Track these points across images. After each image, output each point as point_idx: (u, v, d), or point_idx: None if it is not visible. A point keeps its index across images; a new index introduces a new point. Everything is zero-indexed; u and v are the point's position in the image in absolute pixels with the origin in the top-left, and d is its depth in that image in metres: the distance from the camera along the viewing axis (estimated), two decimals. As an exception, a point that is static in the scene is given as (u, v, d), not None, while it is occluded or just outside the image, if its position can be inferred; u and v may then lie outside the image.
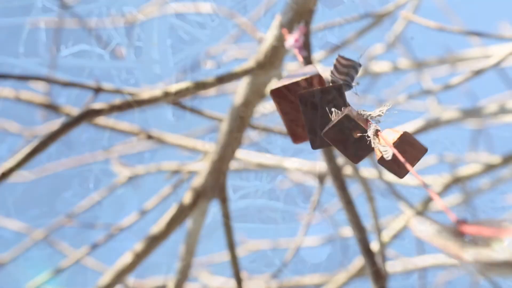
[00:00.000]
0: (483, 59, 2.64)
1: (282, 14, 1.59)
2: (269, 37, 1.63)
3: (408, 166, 0.86)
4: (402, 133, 0.88)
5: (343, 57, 0.97)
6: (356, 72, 0.97)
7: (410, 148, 0.89)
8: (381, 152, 0.87)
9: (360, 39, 2.27)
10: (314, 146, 0.96)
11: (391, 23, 2.58)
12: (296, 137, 1.03)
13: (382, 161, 0.88)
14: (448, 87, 1.76)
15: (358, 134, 0.91)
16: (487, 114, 2.06)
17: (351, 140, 0.92)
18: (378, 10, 2.17)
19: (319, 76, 0.99)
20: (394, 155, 0.86)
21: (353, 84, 0.98)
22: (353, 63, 0.97)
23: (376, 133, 0.89)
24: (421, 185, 2.55)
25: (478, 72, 1.61)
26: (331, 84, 0.97)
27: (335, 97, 0.95)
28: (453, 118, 2.06)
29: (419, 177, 0.85)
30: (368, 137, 0.89)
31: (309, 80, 1.03)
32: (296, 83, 1.01)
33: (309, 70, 1.02)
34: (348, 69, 0.97)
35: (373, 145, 0.89)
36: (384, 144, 0.87)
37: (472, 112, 2.09)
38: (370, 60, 2.68)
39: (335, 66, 0.97)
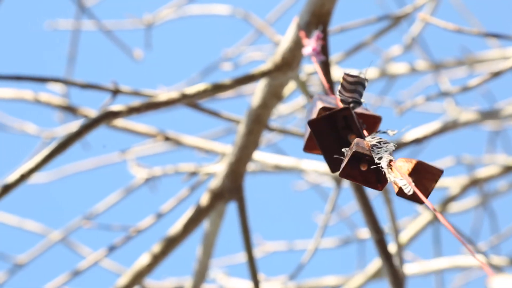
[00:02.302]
0: (501, 61, 2.63)
1: (299, 16, 1.59)
2: (286, 39, 1.63)
3: (423, 197, 0.86)
4: (415, 162, 0.87)
5: (349, 75, 0.96)
6: (364, 87, 0.96)
7: (426, 174, 0.88)
8: (398, 186, 0.87)
9: (378, 41, 2.27)
10: (334, 171, 0.95)
11: (409, 25, 2.57)
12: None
13: (401, 193, 0.88)
14: (466, 88, 1.76)
15: (364, 168, 0.90)
16: (505, 115, 2.06)
17: (368, 171, 0.91)
18: (396, 12, 2.17)
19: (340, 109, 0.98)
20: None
21: (362, 100, 0.97)
22: (360, 79, 0.96)
23: (390, 163, 0.88)
24: (440, 188, 2.55)
25: (496, 74, 1.60)
26: (341, 104, 0.96)
27: (347, 118, 0.95)
28: (471, 120, 2.05)
29: (431, 205, 0.86)
30: (382, 168, 0.88)
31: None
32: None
33: (314, 106, 1.01)
34: (355, 86, 0.96)
35: (389, 180, 0.88)
36: (401, 177, 0.86)
37: (490, 114, 2.08)
38: (388, 61, 2.68)
39: (342, 85, 0.96)
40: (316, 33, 1.22)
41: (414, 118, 3.03)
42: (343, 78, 0.96)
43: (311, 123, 0.94)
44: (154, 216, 2.04)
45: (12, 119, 2.54)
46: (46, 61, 3.88)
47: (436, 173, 0.88)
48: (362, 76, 0.96)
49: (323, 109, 0.99)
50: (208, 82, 1.55)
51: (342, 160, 0.92)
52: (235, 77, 1.58)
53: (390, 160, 0.87)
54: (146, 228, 2.03)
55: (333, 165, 0.95)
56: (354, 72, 0.97)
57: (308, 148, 1.04)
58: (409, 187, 0.85)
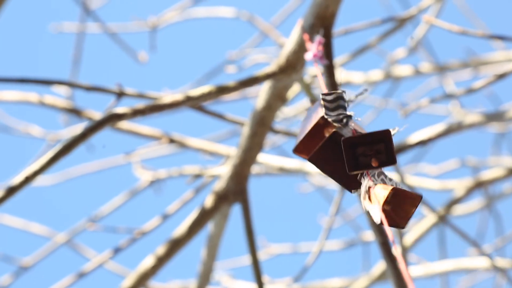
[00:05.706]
0: (506, 63, 2.63)
1: (304, 18, 1.59)
2: (290, 41, 1.63)
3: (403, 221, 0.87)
4: (391, 189, 0.88)
5: (326, 94, 0.97)
6: (344, 100, 0.97)
7: (405, 199, 0.89)
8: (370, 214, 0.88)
9: (382, 43, 2.27)
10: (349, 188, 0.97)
11: (414, 27, 2.57)
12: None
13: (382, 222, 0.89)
14: (471, 91, 1.76)
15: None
16: (510, 118, 2.06)
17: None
18: (401, 14, 2.17)
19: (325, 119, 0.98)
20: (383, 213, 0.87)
21: (350, 113, 0.98)
22: (337, 94, 0.96)
23: (368, 190, 0.89)
24: (445, 190, 2.54)
25: (501, 76, 1.60)
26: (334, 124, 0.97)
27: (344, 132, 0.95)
28: (475, 122, 2.05)
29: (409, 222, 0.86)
30: (359, 195, 0.90)
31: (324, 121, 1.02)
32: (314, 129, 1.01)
33: (315, 112, 1.02)
34: (336, 102, 0.96)
35: (363, 208, 0.90)
36: (374, 204, 0.87)
37: (495, 116, 2.08)
38: (392, 64, 2.68)
39: (325, 107, 0.97)
40: (317, 38, 1.21)
41: (419, 120, 3.03)
42: (323, 100, 0.97)
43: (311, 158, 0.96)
44: (158, 218, 2.04)
45: (17, 121, 2.54)
46: (51, 63, 3.88)
47: (415, 198, 0.89)
48: (338, 90, 0.97)
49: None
50: (213, 84, 1.55)
51: (352, 178, 0.93)
52: (240, 79, 1.58)
53: (369, 187, 0.88)
54: (150, 230, 2.03)
55: (346, 183, 0.96)
56: (329, 90, 0.99)
57: (298, 150, 1.03)
58: (377, 217, 0.86)
